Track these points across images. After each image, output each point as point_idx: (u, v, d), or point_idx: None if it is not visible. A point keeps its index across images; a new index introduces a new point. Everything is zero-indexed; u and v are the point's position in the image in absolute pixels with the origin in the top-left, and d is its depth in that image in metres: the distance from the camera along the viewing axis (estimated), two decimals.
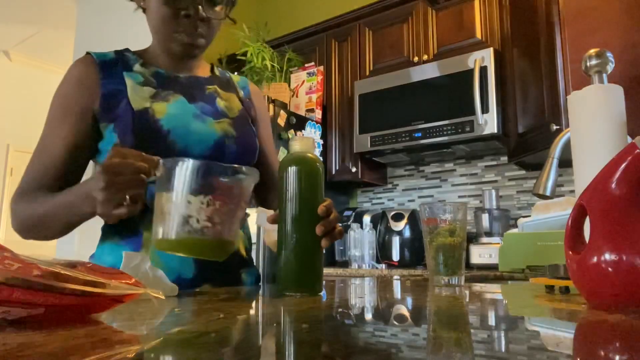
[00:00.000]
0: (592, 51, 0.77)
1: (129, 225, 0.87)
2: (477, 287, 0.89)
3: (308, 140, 0.71)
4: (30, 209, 0.87)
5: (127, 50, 1.01)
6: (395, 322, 0.44)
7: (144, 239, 0.87)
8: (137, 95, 0.91)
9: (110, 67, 0.94)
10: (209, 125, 0.93)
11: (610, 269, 0.46)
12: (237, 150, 0.95)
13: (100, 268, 0.42)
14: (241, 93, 1.08)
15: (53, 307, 0.37)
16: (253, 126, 1.05)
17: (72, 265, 0.40)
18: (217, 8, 0.93)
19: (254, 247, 2.38)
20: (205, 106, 0.96)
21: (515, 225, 2.26)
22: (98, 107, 0.90)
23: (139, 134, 0.87)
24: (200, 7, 0.90)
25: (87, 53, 0.97)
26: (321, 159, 2.79)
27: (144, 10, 0.99)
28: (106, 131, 0.90)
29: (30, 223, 0.88)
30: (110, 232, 0.91)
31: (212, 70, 1.08)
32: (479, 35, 2.37)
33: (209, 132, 0.93)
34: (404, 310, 0.56)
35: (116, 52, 0.98)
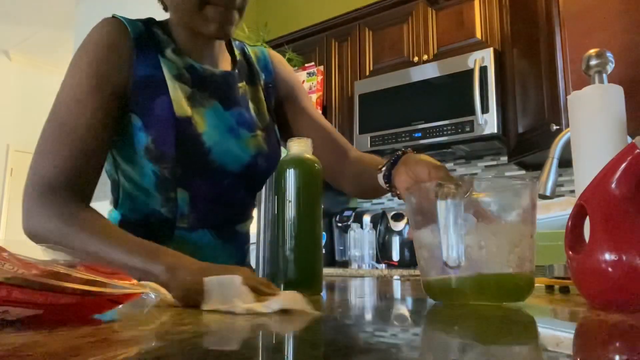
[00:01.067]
0: (592, 51, 0.77)
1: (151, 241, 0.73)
2: None
3: (307, 141, 0.71)
4: (61, 234, 0.67)
5: (153, 20, 0.85)
6: (395, 322, 0.44)
7: None
8: (177, 95, 0.78)
9: (144, 44, 0.79)
10: (244, 142, 0.86)
11: (610, 269, 0.46)
12: (266, 167, 0.89)
13: (99, 267, 0.42)
14: (263, 79, 0.95)
15: (53, 307, 0.37)
16: (277, 130, 0.95)
17: (72, 265, 0.40)
18: None
19: (253, 247, 2.39)
20: (240, 115, 0.86)
21: None
22: (129, 93, 0.76)
23: (182, 147, 0.77)
24: None
25: (115, 17, 0.80)
26: None
27: None
28: (132, 125, 0.77)
29: (54, 242, 0.67)
30: None
31: (229, 49, 0.93)
32: (479, 35, 2.37)
33: (244, 150, 0.86)
34: (403, 310, 0.56)
35: (144, 23, 0.83)
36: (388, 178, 0.75)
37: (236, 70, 0.90)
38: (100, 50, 0.76)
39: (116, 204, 0.86)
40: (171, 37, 0.84)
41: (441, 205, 0.50)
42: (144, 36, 0.80)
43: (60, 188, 0.70)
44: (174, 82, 0.79)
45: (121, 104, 0.76)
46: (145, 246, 0.64)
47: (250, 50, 0.96)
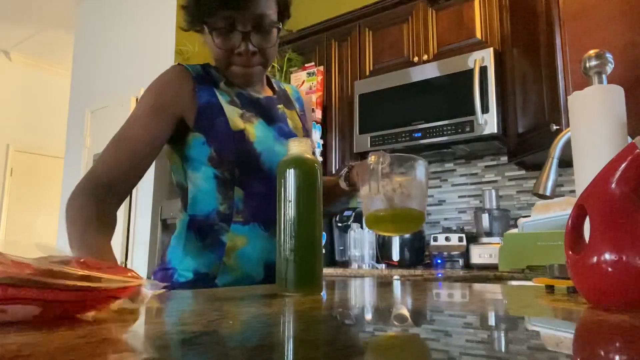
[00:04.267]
0: (592, 52, 0.77)
1: (212, 235, 0.97)
2: (477, 287, 0.89)
3: (306, 142, 0.71)
4: (73, 218, 0.88)
5: (208, 65, 1.06)
6: (395, 322, 0.44)
7: (227, 248, 0.96)
8: (232, 115, 0.99)
9: (203, 80, 1.01)
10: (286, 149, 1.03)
11: (610, 269, 0.46)
12: None
13: (94, 263, 0.42)
14: (297, 107, 1.17)
15: (50, 304, 0.37)
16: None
17: (65, 262, 0.40)
18: (268, 35, 0.98)
19: None
20: (280, 128, 1.05)
21: (515, 225, 2.26)
22: (193, 117, 0.97)
23: (239, 154, 0.97)
24: (249, 43, 0.96)
25: (179, 64, 1.02)
26: (321, 159, 2.80)
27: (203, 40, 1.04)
28: (195, 141, 0.97)
29: (70, 220, 0.89)
30: (193, 239, 0.98)
31: (268, 82, 1.15)
32: (479, 35, 2.37)
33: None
34: (403, 310, 0.56)
35: (202, 67, 1.05)
36: (347, 179, 1.00)
37: (275, 96, 1.11)
38: (162, 85, 0.99)
39: (185, 208, 1.02)
40: (223, 75, 1.04)
41: (370, 167, 0.81)
42: (201, 75, 1.02)
43: (103, 185, 0.91)
44: (228, 106, 1.00)
45: (183, 126, 0.97)
46: (98, 250, 0.85)
47: (284, 86, 1.20)
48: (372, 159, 0.82)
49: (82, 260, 0.42)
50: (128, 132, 0.96)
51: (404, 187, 0.81)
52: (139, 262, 3.18)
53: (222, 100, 1.00)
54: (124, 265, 3.26)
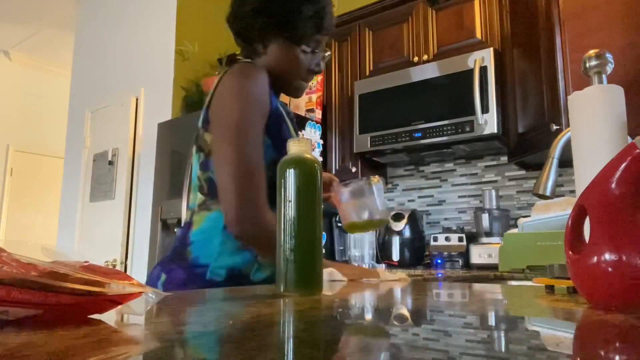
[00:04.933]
0: (592, 52, 0.77)
1: None
2: (477, 287, 0.89)
3: (306, 142, 0.71)
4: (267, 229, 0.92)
5: None
6: (395, 322, 0.44)
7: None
8: (288, 123, 1.08)
9: (271, 84, 1.05)
10: None
11: (610, 269, 0.46)
12: None
13: (99, 268, 0.42)
14: None
15: (53, 307, 0.37)
16: None
17: (71, 265, 0.40)
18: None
19: None
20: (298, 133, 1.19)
21: (515, 225, 2.26)
22: (266, 121, 1.00)
23: None
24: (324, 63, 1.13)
25: (251, 64, 1.04)
26: (321, 159, 2.80)
27: (261, 48, 1.09)
28: (264, 145, 1.00)
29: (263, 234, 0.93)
30: (231, 238, 0.97)
31: None
32: (479, 35, 2.37)
33: None
34: (403, 310, 0.56)
35: None
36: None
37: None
38: (259, 90, 0.99)
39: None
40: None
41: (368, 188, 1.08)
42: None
43: (264, 198, 0.96)
44: (284, 114, 1.07)
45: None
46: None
47: None
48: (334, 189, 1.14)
49: (86, 264, 0.42)
50: (249, 156, 0.95)
51: (361, 206, 1.09)
52: (139, 262, 3.18)
53: (280, 107, 1.06)
54: (124, 265, 3.26)
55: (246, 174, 0.93)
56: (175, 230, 2.80)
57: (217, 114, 0.99)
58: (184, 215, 2.68)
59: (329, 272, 0.96)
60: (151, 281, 1.02)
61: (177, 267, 0.98)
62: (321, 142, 2.83)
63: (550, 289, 0.69)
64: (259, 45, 1.08)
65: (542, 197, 0.93)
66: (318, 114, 2.83)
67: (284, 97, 2.79)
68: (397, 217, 2.58)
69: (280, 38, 1.06)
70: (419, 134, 2.39)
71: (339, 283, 0.93)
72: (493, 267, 2.10)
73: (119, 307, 0.42)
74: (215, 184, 1.00)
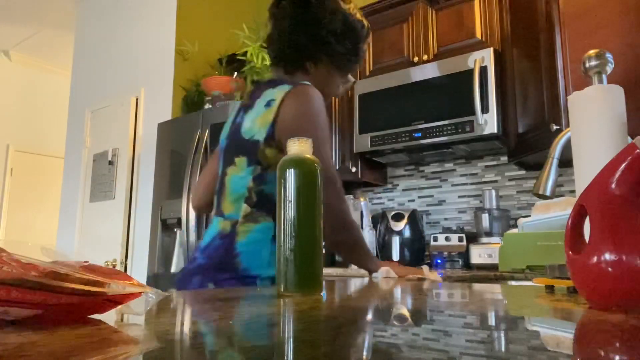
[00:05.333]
0: (592, 52, 0.77)
1: None
2: (477, 287, 0.89)
3: (307, 142, 0.71)
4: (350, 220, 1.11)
5: None
6: (395, 322, 0.44)
7: None
8: None
9: None
10: None
11: (610, 269, 0.46)
12: None
13: (99, 268, 0.42)
14: None
15: (53, 307, 0.37)
16: None
17: (71, 265, 0.40)
18: None
19: None
20: None
21: (515, 225, 2.26)
22: None
23: None
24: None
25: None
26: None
27: (313, 68, 1.20)
28: None
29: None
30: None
31: None
32: (479, 35, 2.37)
33: None
34: (403, 310, 0.56)
35: None
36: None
37: None
38: (323, 103, 1.13)
39: (274, 217, 1.06)
40: None
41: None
42: None
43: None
44: None
45: None
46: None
47: None
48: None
49: (86, 264, 0.42)
50: (334, 171, 1.10)
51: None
52: (139, 262, 3.18)
53: None
54: (124, 265, 3.26)
55: (340, 189, 1.07)
56: (175, 230, 2.80)
57: (293, 134, 1.05)
58: (184, 216, 2.68)
59: (386, 270, 1.14)
60: (187, 288, 1.05)
61: (229, 278, 1.01)
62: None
63: (550, 289, 0.69)
64: (310, 64, 1.18)
65: (542, 197, 0.93)
66: None
67: None
68: (397, 217, 2.58)
69: (330, 64, 1.20)
70: (419, 134, 2.39)
71: (393, 278, 1.12)
72: (493, 267, 2.10)
73: (119, 307, 0.42)
74: (267, 197, 1.06)
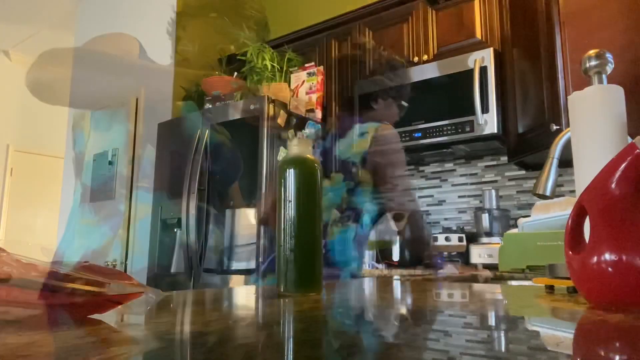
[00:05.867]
0: (592, 52, 0.77)
1: None
2: (477, 287, 0.89)
3: (306, 142, 0.71)
4: None
5: None
6: (395, 322, 0.44)
7: None
8: None
9: None
10: None
11: (610, 269, 0.46)
12: None
13: (99, 268, 0.42)
14: None
15: (53, 307, 0.37)
16: None
17: (70, 265, 0.40)
18: None
19: (253, 246, 2.38)
20: None
21: (515, 225, 2.26)
22: None
23: None
24: None
25: None
26: (321, 159, 2.79)
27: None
28: None
29: None
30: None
31: None
32: (479, 35, 2.37)
33: None
34: (403, 310, 0.56)
35: None
36: None
37: None
38: None
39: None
40: None
41: None
42: None
43: None
44: None
45: None
46: None
47: None
48: None
49: (86, 264, 0.42)
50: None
51: None
52: (139, 262, 3.18)
53: None
54: (124, 265, 3.26)
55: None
56: (175, 230, 2.80)
57: (383, 162, 1.37)
58: (184, 216, 2.68)
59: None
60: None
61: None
62: (321, 141, 2.83)
63: (550, 289, 0.69)
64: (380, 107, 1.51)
65: (542, 197, 0.93)
66: (318, 114, 2.83)
67: (283, 96, 2.80)
68: (398, 217, 2.58)
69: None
70: (419, 134, 2.39)
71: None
72: (493, 267, 2.10)
73: (119, 307, 0.42)
74: (353, 207, 1.33)
